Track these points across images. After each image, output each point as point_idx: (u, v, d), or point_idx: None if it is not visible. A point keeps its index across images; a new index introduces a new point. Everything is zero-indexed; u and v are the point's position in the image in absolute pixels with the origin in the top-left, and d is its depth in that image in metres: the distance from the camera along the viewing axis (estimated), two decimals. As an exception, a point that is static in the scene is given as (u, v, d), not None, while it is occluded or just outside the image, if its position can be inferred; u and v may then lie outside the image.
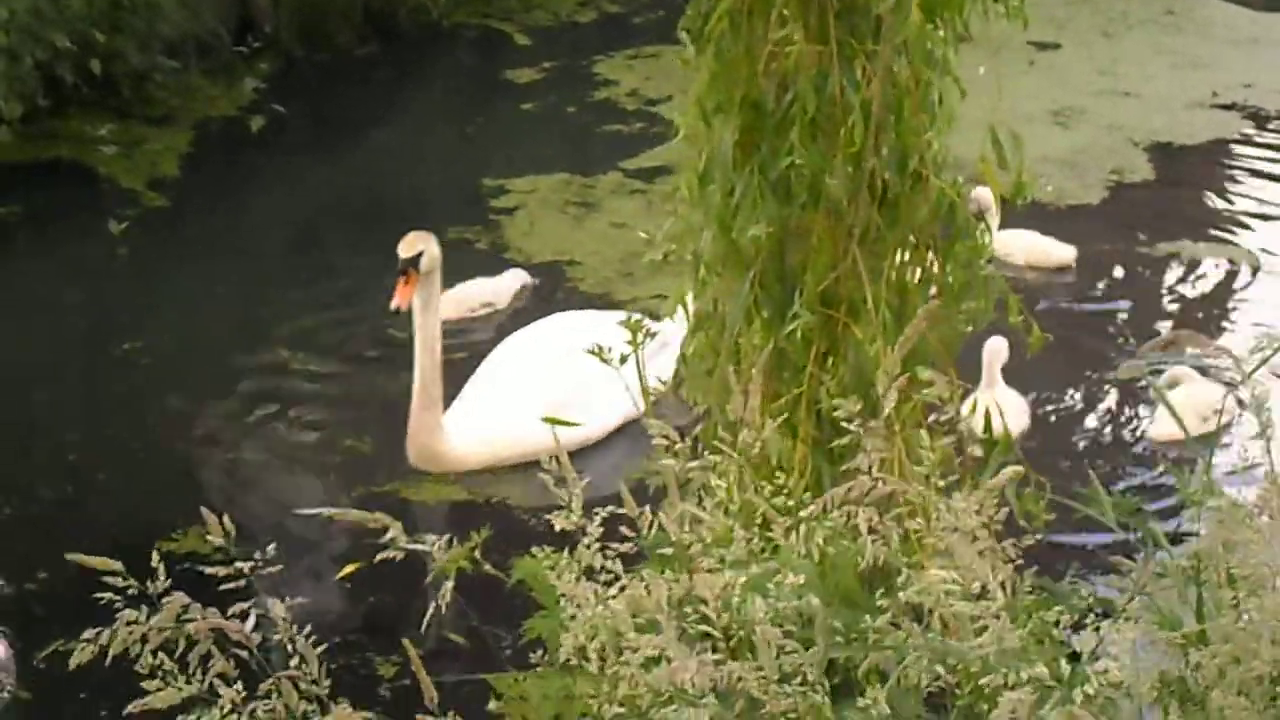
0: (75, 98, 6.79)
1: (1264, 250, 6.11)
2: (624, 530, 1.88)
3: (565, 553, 1.82)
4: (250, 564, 1.83)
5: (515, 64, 7.60)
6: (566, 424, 3.67)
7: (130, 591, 1.69)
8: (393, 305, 4.76)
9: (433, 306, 4.86)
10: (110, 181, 6.52)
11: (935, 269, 3.05)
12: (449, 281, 5.48)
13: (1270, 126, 7.01)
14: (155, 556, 1.73)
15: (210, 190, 6.56)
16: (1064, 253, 5.78)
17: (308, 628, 1.77)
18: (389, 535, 1.95)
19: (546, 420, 3.36)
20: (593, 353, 2.90)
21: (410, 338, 4.81)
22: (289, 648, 1.76)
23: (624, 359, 2.87)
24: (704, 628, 1.78)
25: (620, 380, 4.13)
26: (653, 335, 3.10)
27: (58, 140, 6.61)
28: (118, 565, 1.73)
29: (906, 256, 3.05)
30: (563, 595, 1.83)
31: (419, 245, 4.77)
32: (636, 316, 3.16)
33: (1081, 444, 5.00)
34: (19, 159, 6.47)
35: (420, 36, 7.67)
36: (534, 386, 4.94)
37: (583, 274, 5.87)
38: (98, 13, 6.53)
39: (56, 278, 6.10)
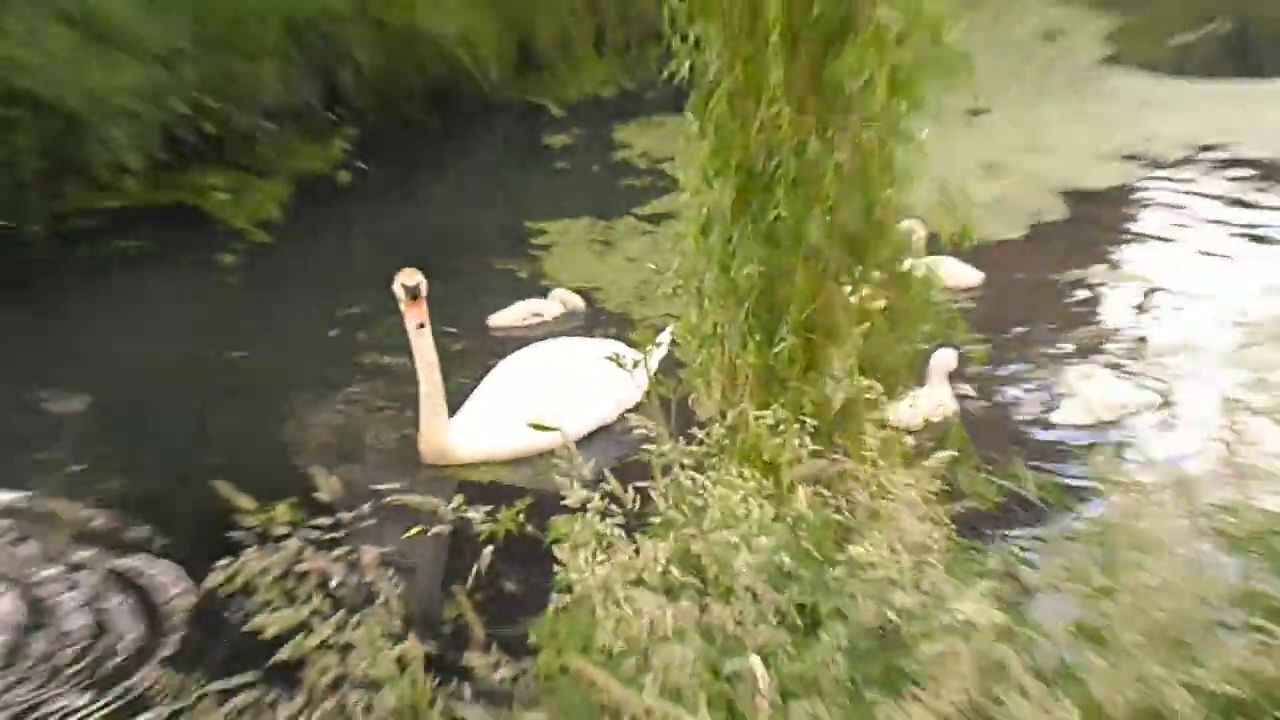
0: (193, 153, 7.60)
1: (1154, 278, 6.67)
2: (613, 507, 2.24)
3: (578, 517, 2.16)
4: (349, 516, 2.14)
5: (551, 131, 8.42)
6: (547, 429, 3.81)
7: (257, 530, 1.99)
8: (418, 322, 5.04)
9: (426, 328, 5.14)
10: (222, 222, 7.35)
11: (895, 298, 3.38)
12: (502, 301, 6.34)
13: (1165, 174, 7.57)
14: (283, 508, 2.03)
15: (305, 230, 7.34)
16: (973, 277, 6.30)
17: (390, 572, 2.07)
18: (447, 508, 2.38)
19: (532, 426, 3.73)
20: (612, 359, 3.33)
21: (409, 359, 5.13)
22: (373, 589, 2.07)
23: (636, 364, 3.23)
24: (691, 578, 2.11)
25: (589, 394, 4.93)
26: (656, 345, 3.51)
27: (178, 188, 7.37)
28: (249, 503, 2.00)
29: (869, 290, 3.36)
30: (568, 559, 2.18)
31: (418, 276, 5.08)
32: (614, 348, 3.72)
33: (1007, 430, 5.39)
34: (146, 204, 7.30)
35: (475, 109, 8.50)
36: (521, 399, 5.34)
37: (606, 297, 6.51)
38: (211, 83, 7.37)
39: (178, 299, 6.85)
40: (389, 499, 2.90)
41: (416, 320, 5.00)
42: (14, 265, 6.59)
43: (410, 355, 5.10)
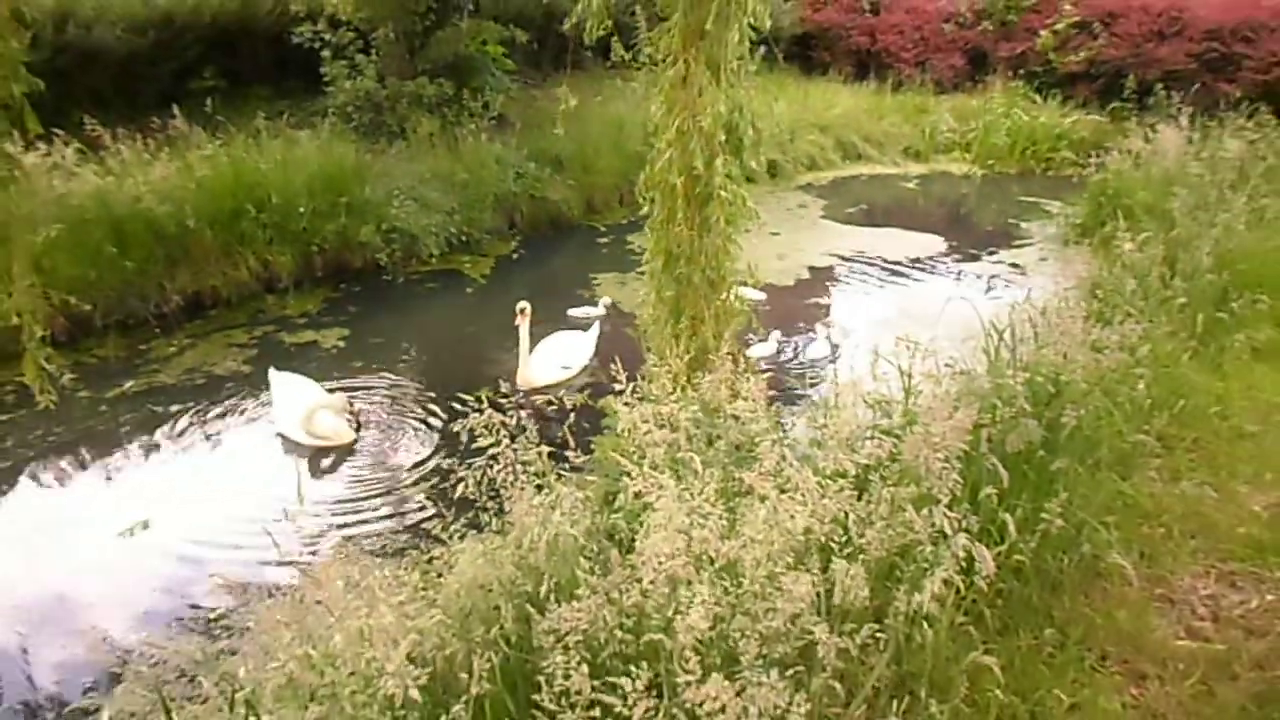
0: (456, 248, 11.69)
1: (844, 304, 10.46)
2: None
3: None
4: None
5: (601, 237, 12.66)
6: (568, 368, 8.26)
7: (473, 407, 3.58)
8: (518, 324, 7.96)
9: (524, 327, 7.97)
10: (465, 275, 11.26)
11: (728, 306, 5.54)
12: (578, 304, 9.83)
13: (846, 262, 11.76)
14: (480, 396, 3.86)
15: (499, 281, 11.04)
16: (759, 297, 8.23)
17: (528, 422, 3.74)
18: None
19: (563, 367, 8.04)
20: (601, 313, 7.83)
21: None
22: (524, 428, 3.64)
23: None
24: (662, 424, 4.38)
25: (579, 354, 8.55)
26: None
27: (450, 262, 11.40)
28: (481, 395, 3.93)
29: (719, 301, 5.49)
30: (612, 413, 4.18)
31: (524, 304, 7.98)
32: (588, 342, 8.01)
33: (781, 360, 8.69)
34: (440, 268, 11.25)
35: (571, 228, 12.97)
36: (554, 356, 8.37)
37: (624, 303, 9.87)
38: (466, 220, 11.73)
39: (450, 307, 10.51)
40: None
41: (518, 323, 7.91)
42: (392, 293, 10.64)
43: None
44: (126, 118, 11.33)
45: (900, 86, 18.82)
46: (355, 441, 7.45)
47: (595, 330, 8.77)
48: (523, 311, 7.91)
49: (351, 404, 7.62)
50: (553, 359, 8.29)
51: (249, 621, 4.87)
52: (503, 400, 3.93)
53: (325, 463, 7.28)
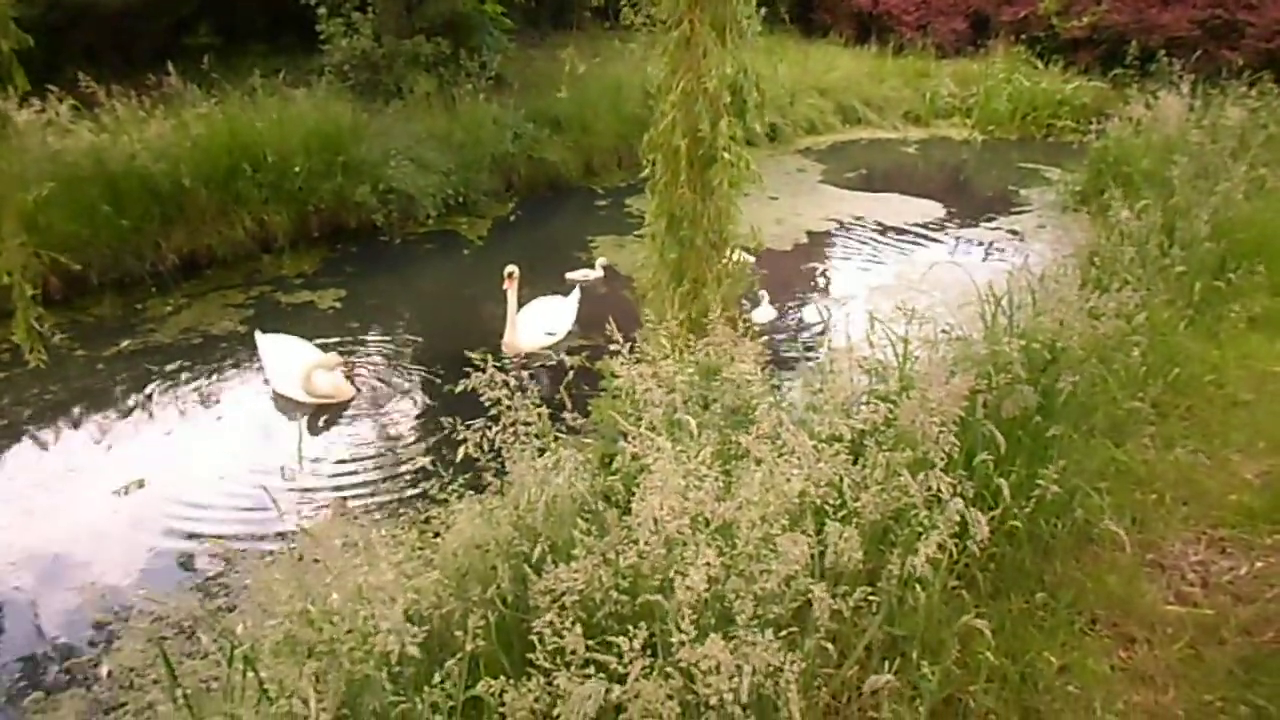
0: (461, 209, 11.66)
1: (839, 266, 10.54)
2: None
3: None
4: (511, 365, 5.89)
5: (600, 199, 12.62)
6: (553, 334, 8.14)
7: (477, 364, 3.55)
8: (507, 288, 7.81)
9: (512, 291, 7.82)
10: (462, 236, 11.19)
11: (729, 268, 5.48)
12: (574, 267, 9.78)
13: (844, 227, 11.77)
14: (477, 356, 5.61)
15: (496, 242, 11.04)
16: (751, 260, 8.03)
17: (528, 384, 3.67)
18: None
19: (548, 333, 7.88)
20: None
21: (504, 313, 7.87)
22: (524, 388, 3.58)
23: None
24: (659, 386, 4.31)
25: (564, 319, 8.39)
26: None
27: (449, 222, 11.38)
28: (477, 357, 3.90)
29: (721, 264, 5.42)
30: (610, 374, 4.18)
31: (512, 268, 7.88)
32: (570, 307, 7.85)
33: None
34: (436, 229, 11.26)
35: (569, 190, 12.89)
36: (539, 320, 8.28)
37: (620, 265, 9.90)
38: (462, 182, 11.62)
39: (447, 264, 10.46)
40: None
41: (507, 287, 7.80)
42: (389, 253, 10.64)
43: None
44: (121, 74, 11.24)
45: (901, 50, 18.73)
46: (353, 399, 7.46)
47: (576, 296, 8.71)
48: (511, 276, 7.88)
49: (349, 363, 7.62)
50: (538, 324, 8.28)
51: (246, 580, 4.95)
52: (496, 364, 3.87)
53: (322, 422, 7.29)
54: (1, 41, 4.78)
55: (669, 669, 2.63)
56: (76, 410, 7.46)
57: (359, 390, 7.61)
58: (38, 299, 5.40)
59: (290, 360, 7.47)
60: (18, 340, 5.44)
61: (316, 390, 7.32)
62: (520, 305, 8.18)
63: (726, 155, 5.06)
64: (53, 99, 9.73)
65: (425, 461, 6.51)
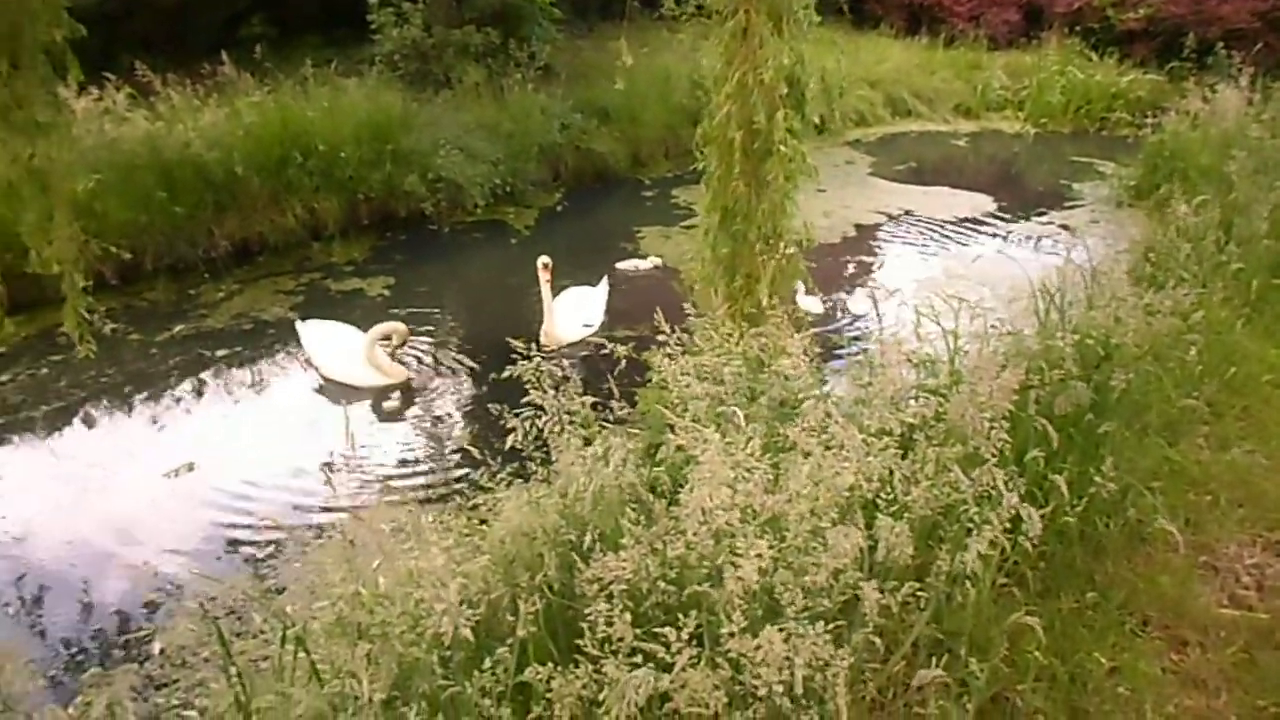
0: (509, 199, 11.68)
1: (890, 260, 10.44)
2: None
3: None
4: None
5: (647, 189, 12.61)
6: (589, 325, 8.14)
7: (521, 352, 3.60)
8: (545, 279, 7.80)
9: (547, 283, 7.80)
10: (509, 226, 11.25)
11: (782, 262, 5.24)
12: (623, 258, 9.72)
13: (892, 220, 11.62)
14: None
15: (542, 232, 11.06)
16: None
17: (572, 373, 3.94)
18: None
19: (584, 325, 7.86)
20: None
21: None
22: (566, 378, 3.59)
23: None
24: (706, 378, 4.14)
25: (596, 310, 8.40)
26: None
27: (496, 213, 11.36)
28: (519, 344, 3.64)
29: (775, 258, 5.22)
30: (655, 364, 3.80)
31: (545, 259, 7.82)
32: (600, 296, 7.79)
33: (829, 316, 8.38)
34: (484, 218, 11.26)
35: (616, 181, 12.87)
36: (576, 310, 8.30)
37: (668, 258, 9.81)
38: (510, 171, 11.60)
39: (489, 262, 10.41)
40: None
41: (544, 278, 7.77)
42: (437, 242, 10.72)
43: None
44: (176, 63, 11.36)
45: (953, 41, 18.50)
46: (403, 382, 7.54)
47: (604, 287, 8.70)
48: (546, 267, 7.84)
49: (411, 330, 7.75)
50: (575, 315, 8.29)
51: (294, 562, 5.01)
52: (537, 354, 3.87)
53: (369, 407, 7.34)
54: (55, 31, 4.84)
55: (717, 659, 2.61)
56: (130, 393, 7.59)
57: (412, 374, 7.67)
58: (89, 289, 5.48)
59: (339, 343, 7.56)
60: (67, 330, 5.55)
61: (378, 362, 7.38)
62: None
63: (782, 148, 4.98)
64: (110, 87, 9.93)
65: (471, 448, 6.44)
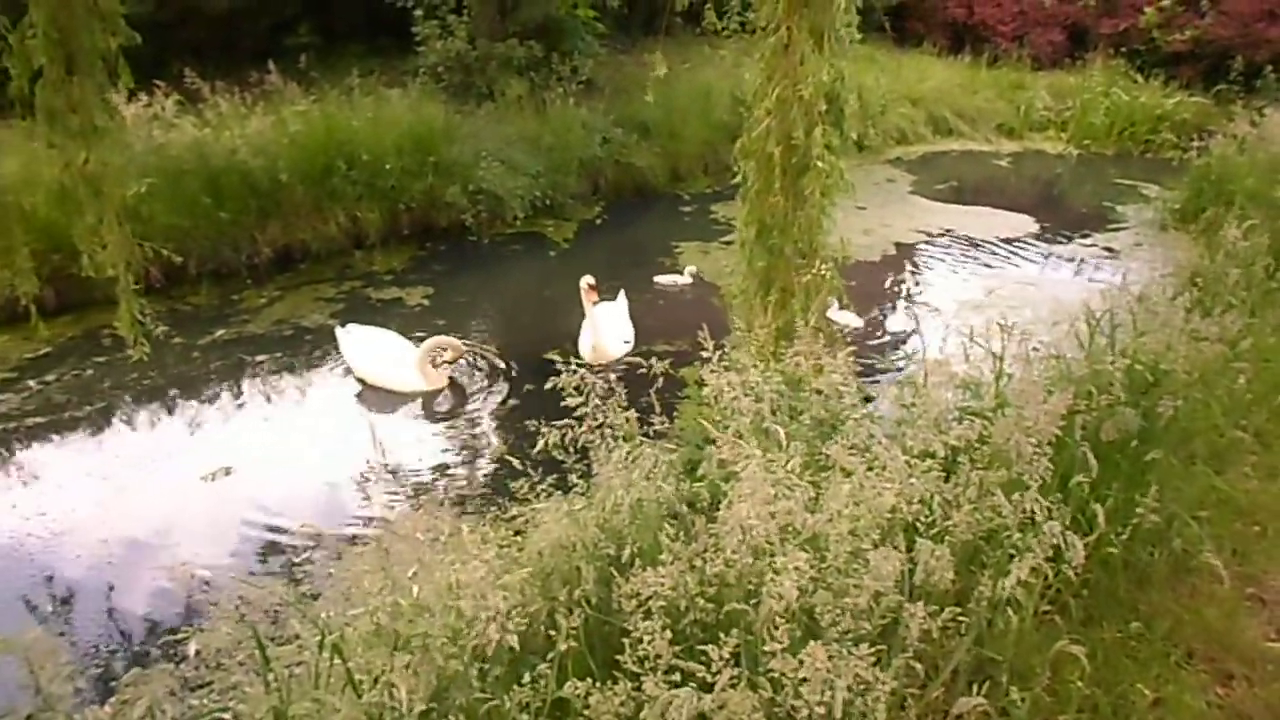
0: (548, 212, 11.78)
1: (928, 279, 10.27)
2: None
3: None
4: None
5: (684, 205, 12.58)
6: (628, 342, 8.04)
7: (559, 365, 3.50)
8: (591, 300, 7.80)
9: (592, 301, 7.80)
10: (548, 238, 11.29)
11: (818, 277, 5.17)
12: (661, 272, 9.72)
13: (932, 239, 11.58)
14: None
15: (582, 245, 11.12)
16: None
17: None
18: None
19: (624, 341, 7.80)
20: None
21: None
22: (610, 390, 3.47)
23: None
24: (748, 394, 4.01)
25: (629, 327, 8.33)
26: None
27: (535, 226, 11.43)
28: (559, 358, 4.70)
29: (810, 274, 5.19)
30: (697, 381, 3.72)
31: (589, 278, 7.77)
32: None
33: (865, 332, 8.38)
34: (524, 230, 11.30)
35: (655, 196, 12.87)
36: (616, 327, 8.25)
37: (705, 272, 9.83)
38: (550, 184, 11.66)
39: (527, 274, 10.45)
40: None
41: (589, 299, 7.74)
42: (476, 253, 10.83)
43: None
44: (225, 71, 11.55)
45: (996, 61, 18.38)
46: (441, 390, 7.60)
47: (624, 303, 8.68)
48: (592, 288, 7.83)
49: (469, 345, 7.84)
50: (617, 333, 8.28)
51: (328, 568, 5.02)
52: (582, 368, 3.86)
53: (407, 415, 7.36)
54: (110, 39, 4.92)
55: (757, 679, 2.57)
56: (171, 395, 7.67)
57: (450, 381, 7.71)
58: (140, 291, 5.49)
59: (381, 348, 7.62)
60: (121, 332, 5.57)
61: (429, 372, 7.47)
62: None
63: (820, 164, 4.96)
64: (159, 94, 10.08)
65: (509, 458, 6.46)
